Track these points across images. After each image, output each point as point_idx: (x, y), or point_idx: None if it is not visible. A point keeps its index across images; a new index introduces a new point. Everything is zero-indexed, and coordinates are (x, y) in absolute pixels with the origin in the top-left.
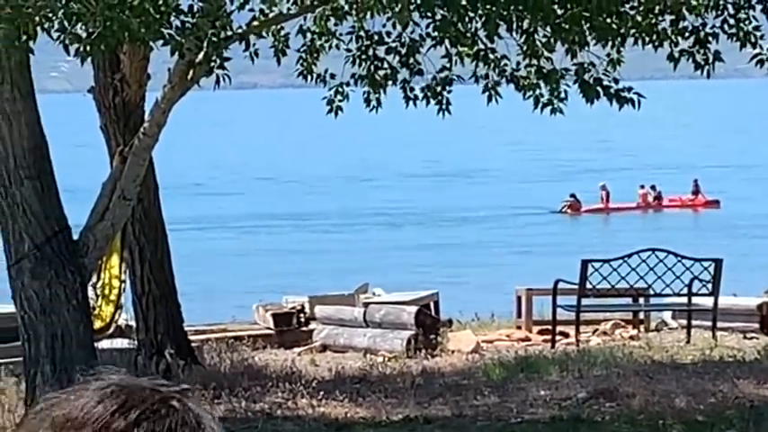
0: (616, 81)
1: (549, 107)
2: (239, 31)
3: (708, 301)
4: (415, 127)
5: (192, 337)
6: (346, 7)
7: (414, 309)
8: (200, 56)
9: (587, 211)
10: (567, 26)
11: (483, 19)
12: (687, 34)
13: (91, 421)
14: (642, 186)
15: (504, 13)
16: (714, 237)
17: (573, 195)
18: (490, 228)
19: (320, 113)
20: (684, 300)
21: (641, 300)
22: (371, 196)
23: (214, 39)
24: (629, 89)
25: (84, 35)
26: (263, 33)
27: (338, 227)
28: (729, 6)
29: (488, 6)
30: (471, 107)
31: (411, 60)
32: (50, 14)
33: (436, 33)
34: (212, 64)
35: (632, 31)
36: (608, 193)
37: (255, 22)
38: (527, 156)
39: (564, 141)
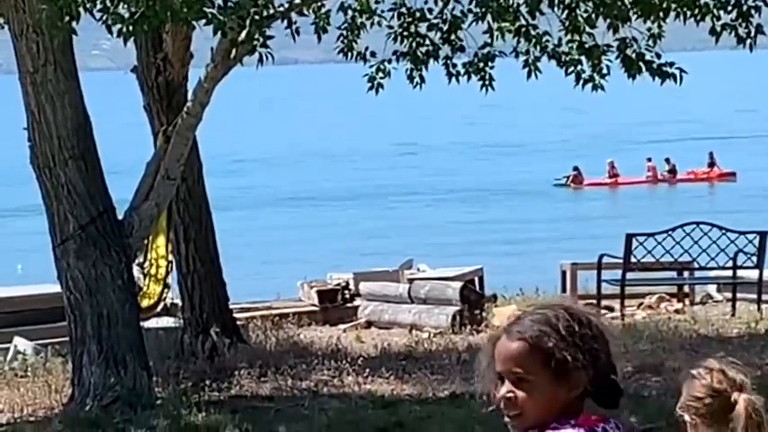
0: (658, 56)
1: (591, 83)
2: (281, 9)
3: (753, 274)
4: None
5: (237, 315)
6: None
7: (458, 284)
8: (243, 34)
9: (591, 184)
10: (608, 1)
11: None
12: (729, 8)
13: None
14: (649, 159)
15: None
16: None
17: (576, 168)
18: (533, 202)
19: (361, 89)
20: (729, 273)
21: (686, 273)
22: (413, 171)
23: (256, 17)
24: (671, 64)
25: (126, 15)
26: (305, 11)
27: (382, 202)
28: None
29: None
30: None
31: (453, 37)
32: None
33: (478, 9)
34: (255, 42)
35: (674, 5)
36: (613, 166)
37: (297, 0)
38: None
39: (590, 110)
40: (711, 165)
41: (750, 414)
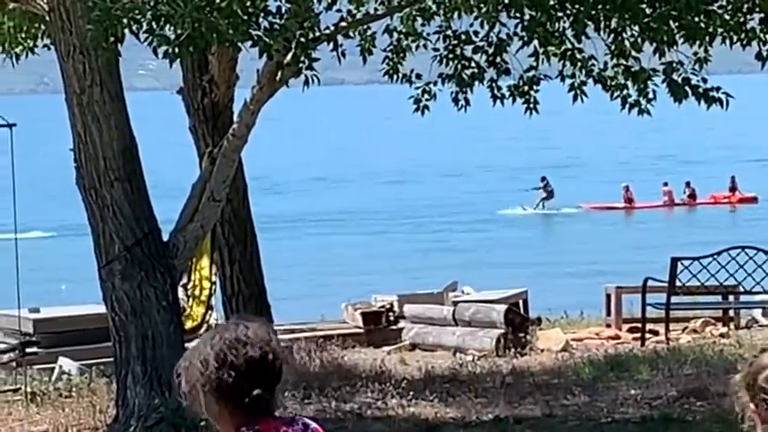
0: (704, 80)
1: (637, 108)
2: (327, 31)
3: None
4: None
5: (281, 337)
6: (434, 7)
7: (503, 307)
8: (289, 57)
9: (602, 208)
10: (655, 25)
11: (571, 18)
12: None
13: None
14: (665, 184)
15: (593, 12)
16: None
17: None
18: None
19: (407, 110)
20: None
21: (731, 297)
22: (458, 193)
23: (302, 40)
24: (718, 88)
25: (172, 37)
26: (350, 33)
27: (427, 224)
28: None
29: (577, 6)
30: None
31: (498, 59)
32: (138, 16)
33: (524, 33)
34: (301, 65)
35: (720, 29)
36: (628, 190)
37: (343, 23)
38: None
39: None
40: (733, 189)
41: None
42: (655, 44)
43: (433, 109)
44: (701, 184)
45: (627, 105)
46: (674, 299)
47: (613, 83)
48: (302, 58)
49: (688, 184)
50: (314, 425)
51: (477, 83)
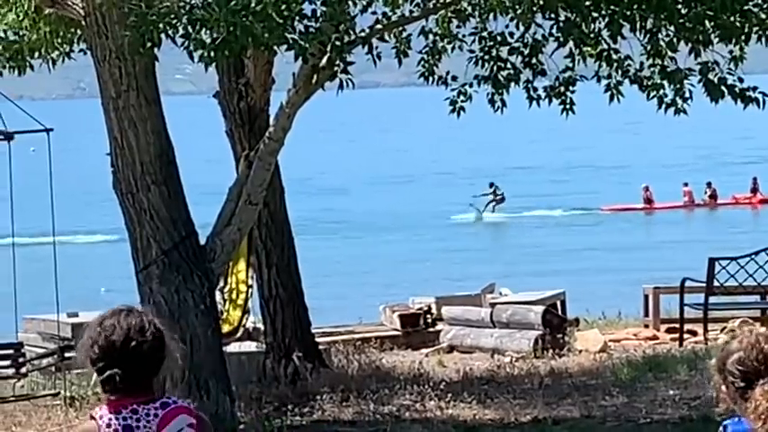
0: (740, 80)
1: (673, 107)
2: (362, 34)
3: None
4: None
5: (319, 340)
6: (469, 9)
7: (540, 308)
8: (324, 60)
9: (617, 209)
10: (690, 25)
11: (606, 19)
12: None
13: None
14: (686, 184)
15: (628, 12)
16: None
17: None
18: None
19: (443, 112)
20: None
21: None
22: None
23: (337, 43)
24: (755, 88)
25: (208, 41)
26: (386, 36)
27: (464, 225)
28: None
29: (612, 7)
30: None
31: (534, 60)
32: (174, 21)
33: (559, 34)
34: (336, 68)
35: (756, 28)
36: (648, 190)
37: (378, 26)
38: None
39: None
40: (754, 190)
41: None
42: (690, 44)
43: (470, 110)
44: (724, 184)
45: (663, 105)
46: (711, 299)
47: (649, 83)
48: (337, 62)
49: (709, 184)
50: (178, 405)
51: (512, 84)
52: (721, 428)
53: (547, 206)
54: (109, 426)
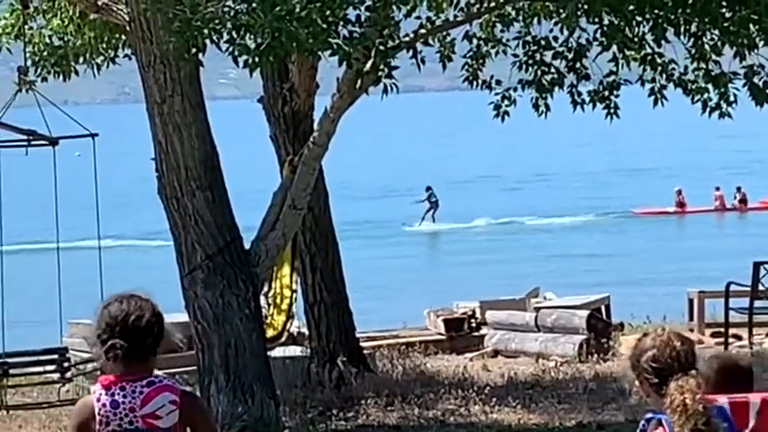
0: None
1: (717, 111)
2: (406, 39)
3: None
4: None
5: (363, 344)
6: (513, 13)
7: (585, 313)
8: (368, 65)
9: (650, 213)
10: (734, 29)
11: (650, 23)
12: None
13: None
14: (717, 188)
15: (672, 16)
16: None
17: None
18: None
19: (487, 116)
20: None
21: None
22: (541, 198)
23: (381, 48)
24: None
25: (252, 46)
26: (430, 40)
27: (509, 229)
28: None
29: (656, 11)
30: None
31: (578, 65)
32: (219, 27)
33: (603, 38)
34: (380, 73)
35: None
36: (680, 193)
37: (422, 30)
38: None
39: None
40: None
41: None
42: (735, 47)
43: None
44: (755, 189)
45: (708, 109)
46: (757, 303)
47: (694, 86)
48: (381, 66)
49: (739, 188)
50: (163, 383)
51: (556, 88)
52: (643, 421)
53: (578, 210)
54: (98, 400)
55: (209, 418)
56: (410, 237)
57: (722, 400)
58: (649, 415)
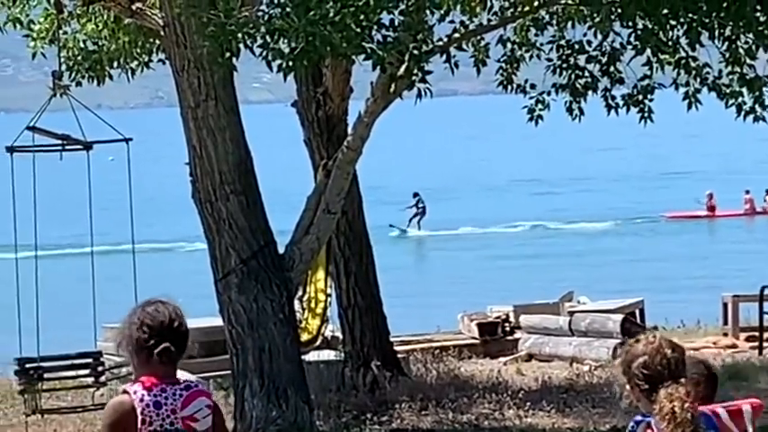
0: None
1: (752, 115)
2: (440, 43)
3: None
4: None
5: (397, 348)
6: (547, 18)
7: (619, 317)
8: (402, 69)
9: (680, 217)
10: None
11: (684, 27)
12: None
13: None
14: (747, 192)
15: (706, 20)
16: None
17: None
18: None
19: (521, 120)
20: None
21: None
22: (577, 203)
23: (415, 52)
24: None
25: (286, 50)
26: (464, 44)
27: (543, 233)
28: None
29: (690, 15)
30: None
31: (612, 69)
32: (253, 31)
33: (637, 42)
34: (414, 77)
35: None
36: (711, 197)
37: (456, 35)
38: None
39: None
40: None
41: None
42: None
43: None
44: None
45: (742, 113)
46: None
47: (728, 90)
48: (415, 71)
49: None
50: (199, 388)
51: (590, 92)
52: (633, 423)
53: (609, 214)
54: (142, 400)
55: (227, 430)
56: (450, 241)
57: (719, 408)
58: (639, 417)
